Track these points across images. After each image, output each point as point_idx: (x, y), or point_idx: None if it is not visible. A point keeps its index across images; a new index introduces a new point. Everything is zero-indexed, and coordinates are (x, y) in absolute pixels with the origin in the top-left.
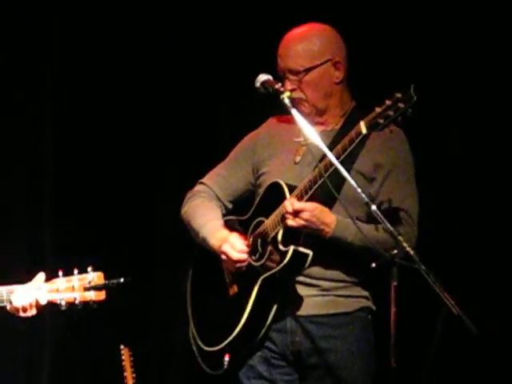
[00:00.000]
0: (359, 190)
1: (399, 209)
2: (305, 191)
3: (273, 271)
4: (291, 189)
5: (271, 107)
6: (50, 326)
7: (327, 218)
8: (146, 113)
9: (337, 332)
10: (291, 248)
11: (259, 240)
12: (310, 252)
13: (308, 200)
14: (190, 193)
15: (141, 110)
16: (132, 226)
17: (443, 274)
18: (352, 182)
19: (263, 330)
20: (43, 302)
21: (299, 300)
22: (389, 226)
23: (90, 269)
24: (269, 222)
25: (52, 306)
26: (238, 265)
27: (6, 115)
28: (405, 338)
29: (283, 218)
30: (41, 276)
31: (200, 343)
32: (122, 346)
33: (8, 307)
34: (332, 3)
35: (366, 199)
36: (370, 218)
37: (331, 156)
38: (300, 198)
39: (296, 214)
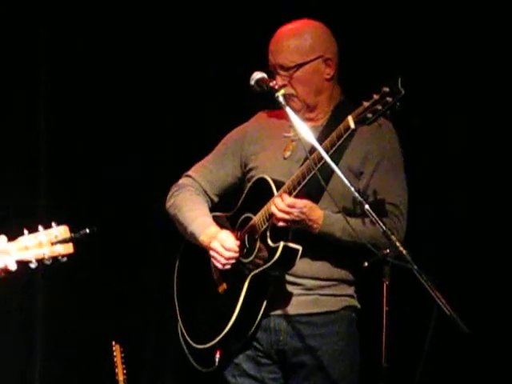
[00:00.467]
0: (352, 189)
1: (388, 201)
2: (293, 187)
3: (263, 267)
4: (278, 185)
5: (261, 103)
6: (41, 320)
7: (315, 215)
8: (135, 104)
9: (321, 331)
10: (281, 244)
11: (247, 236)
12: (299, 247)
13: (295, 196)
14: (175, 186)
15: (130, 102)
16: (125, 221)
17: (435, 274)
18: (344, 179)
19: (253, 327)
20: (12, 266)
21: (283, 299)
22: (381, 225)
23: (54, 224)
24: (257, 219)
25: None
26: (228, 262)
27: None
28: (396, 337)
29: (271, 215)
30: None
31: (189, 340)
32: (113, 343)
33: None
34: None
35: (360, 198)
36: (358, 214)
37: (323, 152)
38: (288, 195)
39: (285, 211)
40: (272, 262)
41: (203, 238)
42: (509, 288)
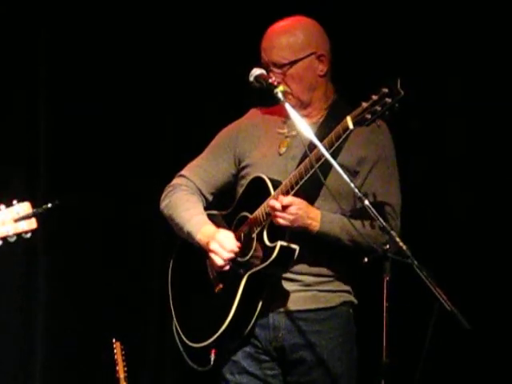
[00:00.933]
0: (352, 185)
1: (383, 202)
2: (290, 187)
3: (260, 267)
4: (275, 184)
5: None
6: (42, 318)
7: (313, 213)
8: (135, 103)
9: (319, 327)
10: (278, 243)
11: (243, 235)
12: (296, 247)
13: (293, 195)
14: (169, 186)
15: (130, 101)
16: (126, 219)
17: (435, 269)
18: (344, 175)
19: (249, 326)
20: None
21: (282, 296)
22: (381, 220)
23: (15, 201)
24: (253, 218)
25: None
26: (228, 263)
27: None
28: (397, 333)
29: (268, 214)
30: None
31: (184, 339)
32: (113, 340)
33: None
34: None
35: (359, 194)
36: (354, 213)
37: (323, 149)
38: (285, 194)
39: (283, 210)
40: (269, 261)
41: (200, 236)
42: (510, 284)
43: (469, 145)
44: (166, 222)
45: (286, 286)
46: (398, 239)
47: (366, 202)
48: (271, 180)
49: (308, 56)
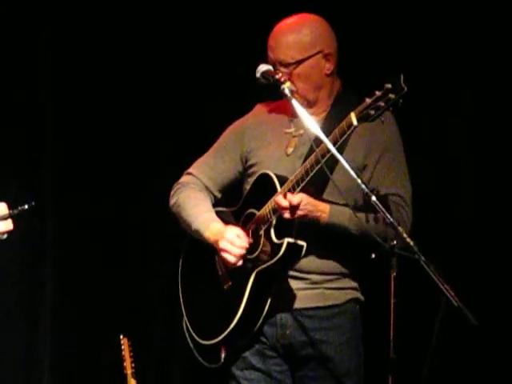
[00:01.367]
0: (359, 181)
1: (393, 192)
2: (296, 183)
3: (267, 264)
4: (281, 180)
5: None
6: (49, 314)
7: (321, 205)
8: (137, 103)
9: (327, 324)
10: (285, 240)
11: (250, 232)
12: (303, 243)
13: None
14: (177, 184)
15: (132, 100)
16: (130, 215)
17: (442, 265)
18: (350, 170)
19: (259, 323)
20: None
21: (289, 293)
22: (388, 216)
23: None
24: (260, 215)
25: None
26: (240, 260)
27: None
28: (404, 328)
29: (275, 211)
30: None
31: (195, 336)
32: (121, 336)
33: None
34: None
35: (366, 189)
36: (361, 208)
37: (329, 144)
38: (292, 191)
39: (294, 206)
40: (276, 258)
41: (208, 234)
42: None
43: (469, 144)
44: (173, 218)
45: (294, 284)
46: (404, 235)
47: (374, 198)
48: (277, 176)
49: (315, 55)
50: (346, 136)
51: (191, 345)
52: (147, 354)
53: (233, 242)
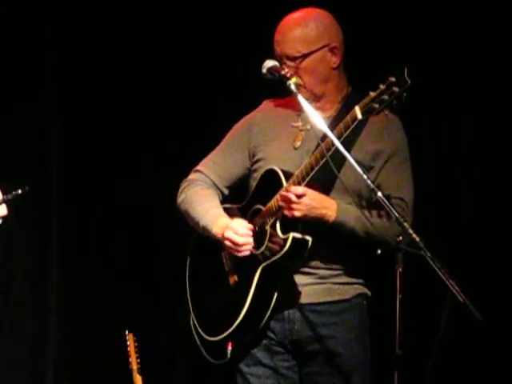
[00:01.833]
0: (365, 177)
1: (395, 196)
2: (302, 178)
3: (273, 259)
4: (287, 175)
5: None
6: (54, 311)
7: (327, 202)
8: (143, 102)
9: (335, 319)
10: (290, 235)
11: (257, 227)
12: (309, 238)
13: (306, 187)
14: (185, 181)
15: (138, 100)
16: (135, 213)
17: (448, 261)
18: (356, 166)
19: (265, 319)
20: None
21: (296, 289)
22: (394, 212)
23: None
24: (266, 210)
25: None
26: (244, 248)
27: None
28: (410, 324)
29: (281, 206)
30: None
31: (201, 332)
32: (126, 332)
33: None
34: None
35: (372, 185)
36: (368, 206)
37: (335, 140)
38: (297, 185)
39: (296, 200)
40: (282, 253)
41: (216, 229)
42: None
43: (469, 144)
44: (178, 214)
45: (301, 279)
46: (410, 231)
47: (379, 194)
48: (283, 172)
49: (321, 48)
50: (350, 129)
51: (198, 341)
52: (153, 349)
53: (236, 230)
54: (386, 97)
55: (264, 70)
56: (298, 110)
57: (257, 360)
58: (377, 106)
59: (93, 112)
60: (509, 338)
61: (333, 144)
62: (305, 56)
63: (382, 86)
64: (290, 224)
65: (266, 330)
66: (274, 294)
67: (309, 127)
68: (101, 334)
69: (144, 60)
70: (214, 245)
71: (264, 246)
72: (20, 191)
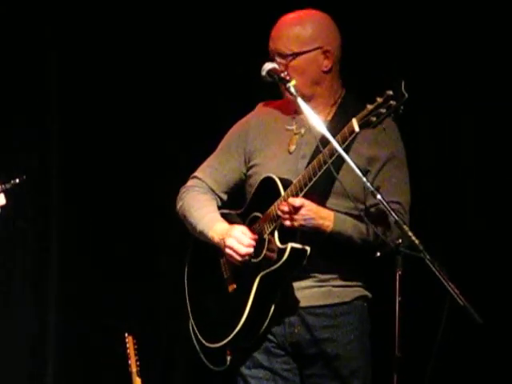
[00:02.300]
0: (364, 179)
1: (392, 200)
2: (299, 188)
3: (271, 269)
4: (284, 183)
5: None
6: (53, 313)
7: (324, 213)
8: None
9: (335, 322)
10: (289, 245)
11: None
12: (307, 248)
13: (304, 196)
14: (183, 188)
15: (139, 102)
16: (136, 214)
17: (447, 264)
18: (356, 168)
19: (264, 327)
20: None
21: (296, 292)
22: (394, 214)
23: None
24: (264, 218)
25: None
26: (245, 259)
27: None
28: (409, 327)
29: (278, 217)
30: None
31: (201, 339)
32: (126, 334)
33: None
34: None
35: (372, 188)
36: (366, 210)
37: (337, 145)
38: (295, 196)
39: (295, 211)
40: (280, 263)
41: (212, 234)
42: None
43: (468, 144)
44: (178, 218)
45: (300, 282)
46: (410, 233)
47: (379, 197)
48: (281, 180)
49: (313, 50)
50: (347, 142)
51: (197, 347)
52: (152, 352)
53: (240, 239)
54: (383, 110)
55: (263, 73)
56: (293, 112)
57: (257, 363)
58: (374, 119)
59: (93, 112)
60: (509, 341)
61: (333, 152)
62: (295, 55)
63: (379, 99)
64: (288, 233)
65: (266, 333)
66: (272, 304)
67: (303, 131)
68: (100, 335)
69: (144, 60)
70: (212, 251)
71: (262, 255)
72: (18, 180)
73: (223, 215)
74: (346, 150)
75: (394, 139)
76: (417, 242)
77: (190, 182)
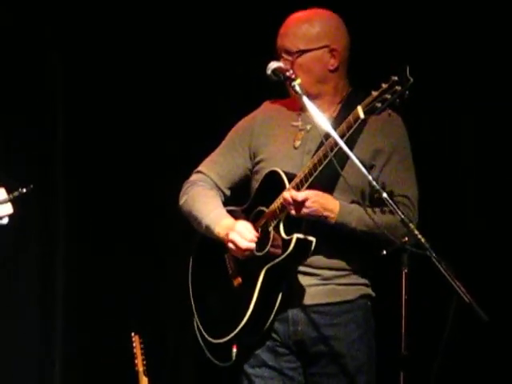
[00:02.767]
0: (370, 178)
1: (399, 193)
2: (305, 179)
3: (277, 260)
4: (290, 177)
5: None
6: (60, 312)
7: (330, 204)
8: (149, 103)
9: (339, 320)
10: (294, 236)
11: (260, 229)
12: (313, 239)
13: (307, 188)
14: (187, 183)
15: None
16: (141, 213)
17: (453, 262)
18: (360, 165)
19: (269, 320)
20: None
21: (301, 290)
22: (400, 212)
23: None
24: (269, 212)
25: None
26: (247, 253)
27: None
28: (415, 325)
29: (284, 208)
30: None
31: (206, 335)
32: (132, 334)
33: None
34: None
35: (377, 186)
36: (371, 205)
37: (339, 139)
38: (300, 186)
39: (299, 203)
40: (285, 254)
41: (219, 229)
42: None
43: (476, 143)
44: (183, 216)
45: (304, 280)
46: (416, 231)
47: (384, 195)
48: (286, 173)
49: (320, 48)
50: (353, 129)
51: (202, 343)
52: (160, 351)
53: (242, 233)
54: (388, 96)
55: (268, 72)
56: (298, 110)
57: (261, 361)
58: (379, 105)
59: (93, 112)
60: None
61: (336, 144)
62: (302, 52)
63: (384, 85)
64: (293, 225)
65: (270, 332)
66: (278, 296)
67: (308, 127)
68: (107, 335)
69: (144, 60)
70: (217, 247)
71: (267, 248)
72: (25, 190)
73: (228, 212)
74: (352, 143)
75: (399, 133)
76: (423, 239)
77: (194, 177)
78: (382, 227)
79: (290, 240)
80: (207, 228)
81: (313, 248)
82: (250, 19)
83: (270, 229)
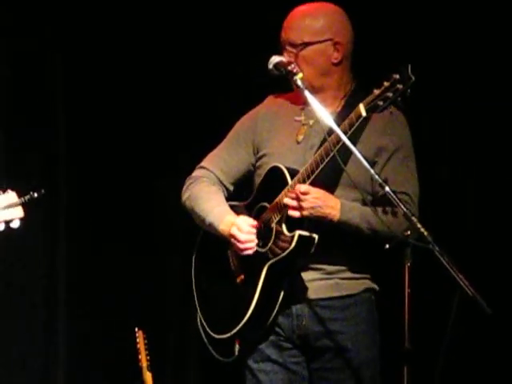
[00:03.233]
0: (372, 172)
1: (400, 190)
2: (307, 175)
3: (279, 257)
4: (292, 172)
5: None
6: (63, 307)
7: (332, 201)
8: (150, 101)
9: (343, 314)
10: (296, 233)
11: (262, 225)
12: (315, 235)
13: (310, 184)
14: (190, 178)
15: (144, 100)
16: (141, 213)
17: (457, 255)
18: (363, 160)
19: (272, 316)
20: None
21: (304, 284)
22: (402, 206)
23: (0, 191)
24: (272, 207)
25: None
26: (247, 245)
27: None
28: (419, 319)
29: (286, 205)
30: None
31: (209, 331)
32: (136, 329)
33: None
34: None
35: (380, 180)
36: (374, 201)
37: (341, 134)
38: (302, 183)
39: (300, 199)
40: (288, 251)
41: (223, 226)
42: None
43: (476, 143)
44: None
45: (308, 274)
46: (419, 225)
47: (387, 189)
48: (288, 169)
49: (324, 41)
50: (354, 127)
51: (205, 339)
52: (162, 346)
53: (240, 227)
54: (390, 94)
55: (270, 66)
56: (302, 104)
57: (265, 356)
58: (381, 103)
59: (93, 111)
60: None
61: (339, 140)
62: (306, 45)
63: (386, 83)
64: (295, 221)
65: (273, 326)
66: (280, 291)
67: (311, 122)
68: (111, 331)
69: (144, 60)
70: (220, 243)
71: (270, 244)
72: (36, 194)
73: (231, 207)
74: (354, 141)
75: (402, 130)
76: (426, 233)
77: (197, 172)
78: (384, 223)
79: (293, 236)
80: (211, 225)
81: (315, 245)
82: (250, 19)
83: (273, 225)
